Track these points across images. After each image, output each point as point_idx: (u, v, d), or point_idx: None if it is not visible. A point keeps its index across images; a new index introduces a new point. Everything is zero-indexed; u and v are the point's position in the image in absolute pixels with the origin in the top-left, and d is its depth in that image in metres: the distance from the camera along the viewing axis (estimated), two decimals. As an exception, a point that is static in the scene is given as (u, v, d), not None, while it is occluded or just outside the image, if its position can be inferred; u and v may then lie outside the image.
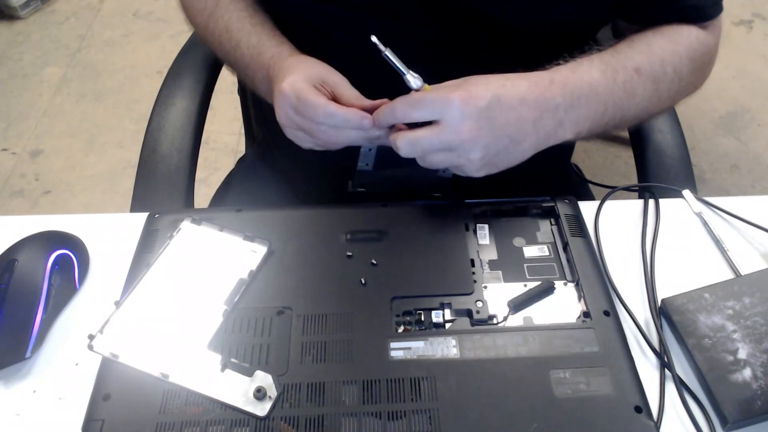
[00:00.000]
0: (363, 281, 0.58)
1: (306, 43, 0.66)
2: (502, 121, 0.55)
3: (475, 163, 0.56)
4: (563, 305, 0.57)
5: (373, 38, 0.58)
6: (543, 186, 0.70)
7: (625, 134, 0.86)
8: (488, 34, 0.65)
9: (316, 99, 0.57)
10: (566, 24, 0.66)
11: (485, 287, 0.58)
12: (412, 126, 0.57)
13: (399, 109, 0.56)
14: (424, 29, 0.66)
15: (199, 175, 0.79)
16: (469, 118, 0.54)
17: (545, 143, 0.59)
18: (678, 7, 0.66)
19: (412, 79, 0.58)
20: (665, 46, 0.65)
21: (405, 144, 0.56)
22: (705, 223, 0.66)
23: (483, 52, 0.66)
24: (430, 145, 0.55)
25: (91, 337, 0.54)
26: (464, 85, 0.55)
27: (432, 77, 0.58)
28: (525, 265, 0.60)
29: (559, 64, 0.60)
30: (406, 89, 0.58)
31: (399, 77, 0.58)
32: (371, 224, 0.62)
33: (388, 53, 0.59)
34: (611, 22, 0.74)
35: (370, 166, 0.65)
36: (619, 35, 0.68)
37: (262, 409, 0.49)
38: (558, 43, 0.63)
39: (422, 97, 0.56)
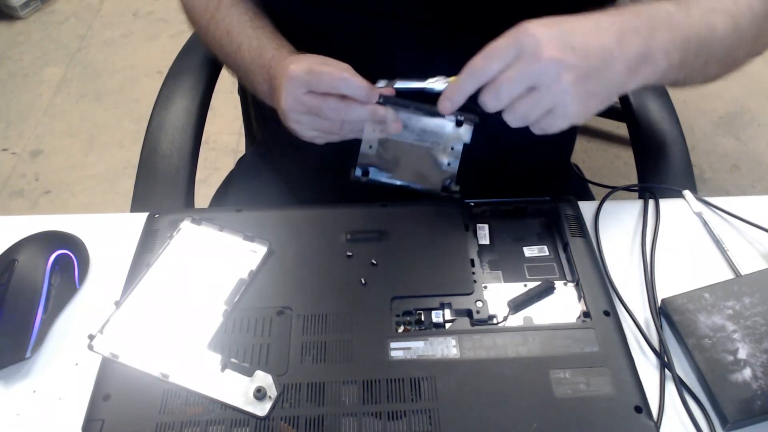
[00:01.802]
0: (363, 281, 0.58)
1: (304, 46, 0.66)
2: (582, 41, 0.51)
3: (569, 92, 0.51)
4: (563, 305, 0.57)
5: (379, 84, 0.57)
6: (543, 186, 0.70)
7: (625, 134, 0.86)
8: (488, 36, 0.65)
9: (329, 68, 0.56)
10: None
11: (485, 287, 0.58)
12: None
13: (478, 65, 0.53)
14: (422, 31, 0.66)
15: (199, 175, 0.79)
16: (548, 41, 0.50)
17: (638, 69, 0.54)
18: None
19: (434, 83, 0.57)
20: None
21: (490, 96, 0.52)
22: (705, 223, 0.66)
23: None
24: (514, 84, 0.52)
25: (91, 337, 0.54)
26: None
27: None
28: (525, 265, 0.60)
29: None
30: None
31: (400, 78, 0.58)
32: (371, 224, 0.62)
33: (399, 85, 0.57)
34: None
35: (374, 148, 0.65)
36: None
37: (262, 409, 0.49)
38: None
39: (493, 45, 0.52)
